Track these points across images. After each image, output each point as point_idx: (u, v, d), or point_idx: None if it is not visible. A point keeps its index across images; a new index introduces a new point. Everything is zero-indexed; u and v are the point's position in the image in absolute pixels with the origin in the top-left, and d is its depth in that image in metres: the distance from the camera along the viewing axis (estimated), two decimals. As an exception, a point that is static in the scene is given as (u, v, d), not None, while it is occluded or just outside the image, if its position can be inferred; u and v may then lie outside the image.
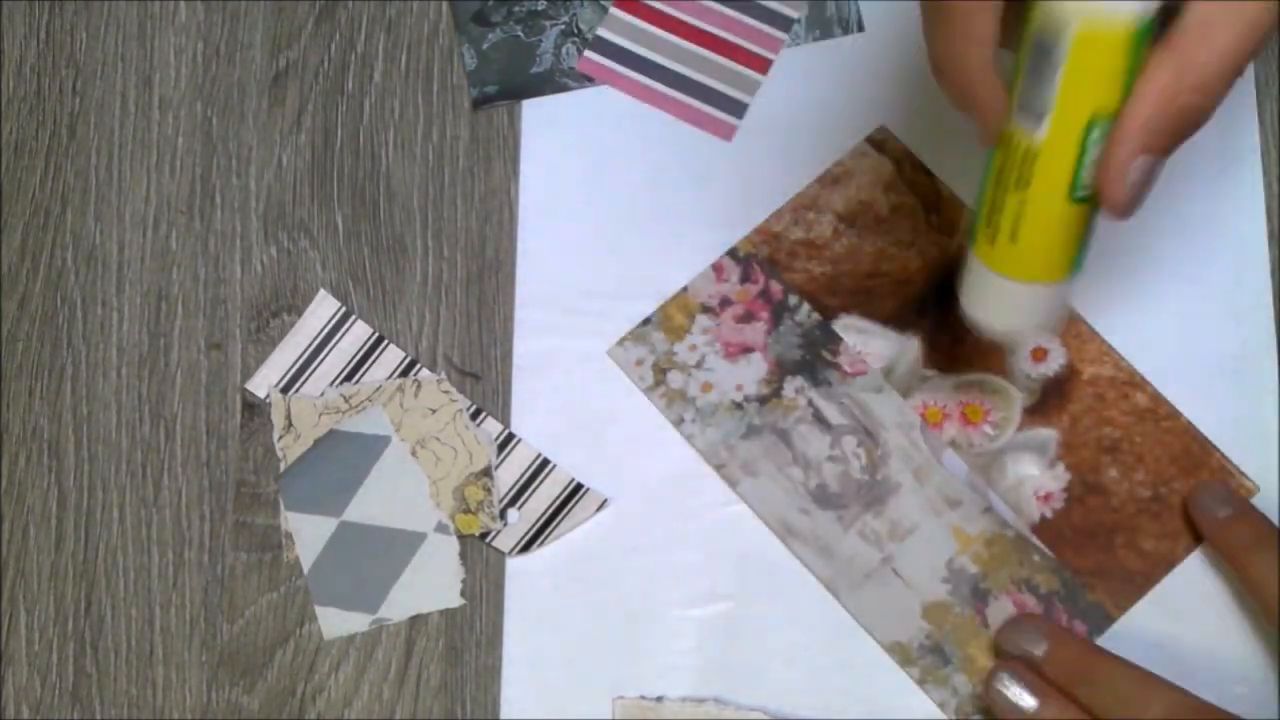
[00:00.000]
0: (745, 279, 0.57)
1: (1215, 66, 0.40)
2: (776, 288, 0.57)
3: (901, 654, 0.53)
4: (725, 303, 0.57)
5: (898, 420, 0.55)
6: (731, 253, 0.57)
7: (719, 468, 0.55)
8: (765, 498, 0.55)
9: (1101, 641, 0.53)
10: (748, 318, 0.57)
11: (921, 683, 0.53)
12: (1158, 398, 0.55)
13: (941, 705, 0.52)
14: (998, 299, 0.42)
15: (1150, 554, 0.53)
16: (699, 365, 0.56)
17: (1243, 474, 0.54)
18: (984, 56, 0.42)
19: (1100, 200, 0.41)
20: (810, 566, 0.54)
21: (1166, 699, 0.49)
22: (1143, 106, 0.40)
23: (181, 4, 0.61)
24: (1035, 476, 0.54)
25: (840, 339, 0.56)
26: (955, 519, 0.54)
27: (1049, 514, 0.54)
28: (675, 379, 0.56)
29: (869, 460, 0.55)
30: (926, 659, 0.53)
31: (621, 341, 0.56)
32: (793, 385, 0.56)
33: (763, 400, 0.56)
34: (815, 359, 0.56)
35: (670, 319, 0.57)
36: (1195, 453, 0.54)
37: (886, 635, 0.53)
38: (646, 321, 0.57)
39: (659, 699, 0.53)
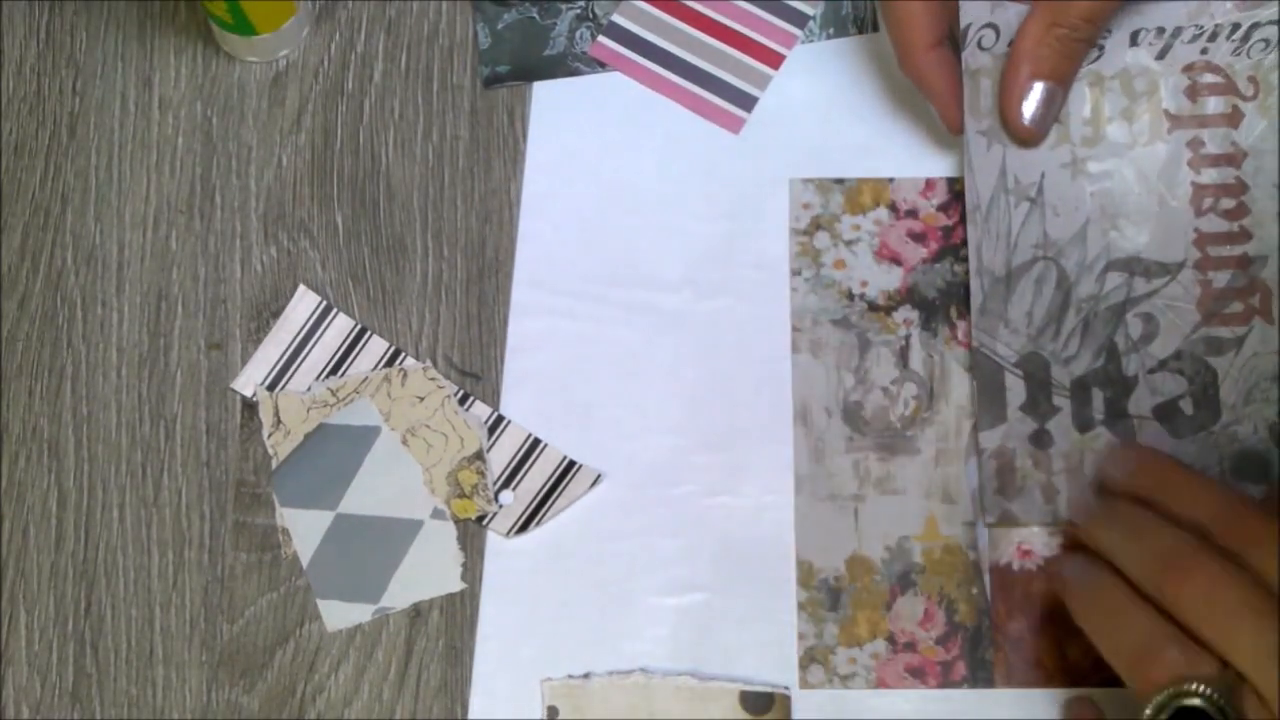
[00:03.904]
0: (944, 208, 0.57)
1: (1079, 12, 0.52)
2: (961, 235, 0.57)
3: (805, 574, 0.54)
4: (912, 213, 0.57)
5: (961, 403, 0.55)
6: (951, 180, 0.58)
7: (795, 329, 0.56)
8: (807, 377, 0.56)
9: (976, 700, 0.52)
10: (919, 238, 0.57)
11: (800, 607, 0.53)
12: None
13: (800, 635, 0.53)
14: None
15: (1068, 661, 0.52)
16: (849, 244, 0.57)
17: None
18: (930, 50, 0.54)
19: (1004, 126, 0.54)
20: (793, 462, 0.55)
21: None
22: (1026, 41, 0.53)
23: (181, 4, 0.61)
24: (1032, 530, 0.54)
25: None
26: (938, 511, 0.54)
27: (1015, 566, 0.53)
28: (821, 239, 0.57)
29: (913, 414, 0.55)
30: (820, 594, 0.53)
31: (808, 180, 0.58)
32: (905, 314, 0.56)
33: (873, 307, 0.57)
34: (942, 309, 0.56)
35: (859, 192, 0.58)
36: None
37: (806, 553, 0.54)
38: (840, 181, 0.58)
39: (586, 675, 0.53)
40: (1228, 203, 0.54)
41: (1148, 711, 0.45)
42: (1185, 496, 0.48)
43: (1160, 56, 0.55)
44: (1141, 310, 0.54)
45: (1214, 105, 0.55)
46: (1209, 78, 0.55)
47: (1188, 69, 0.55)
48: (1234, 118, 0.55)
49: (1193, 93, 0.55)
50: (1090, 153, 0.55)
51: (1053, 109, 0.54)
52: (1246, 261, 0.54)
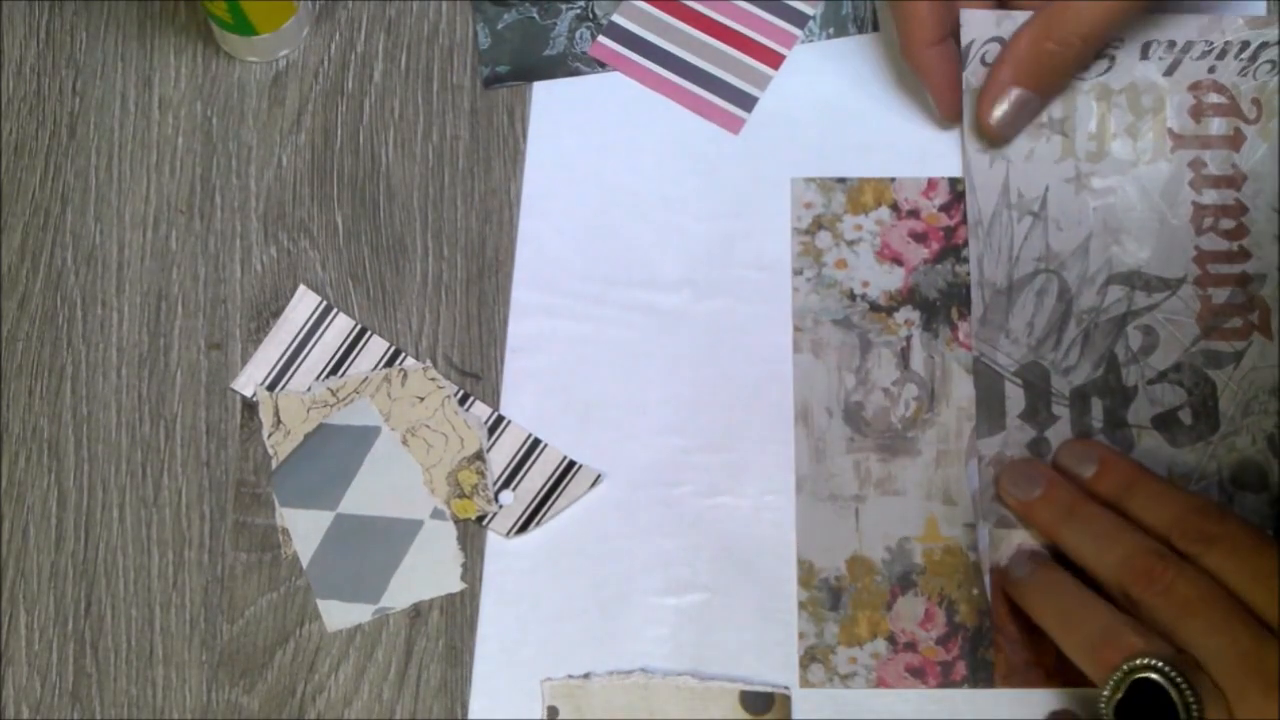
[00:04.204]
0: (946, 208, 0.57)
1: (1076, 30, 0.53)
2: (963, 236, 0.57)
3: (805, 573, 0.54)
4: (913, 213, 0.57)
5: (961, 404, 0.55)
6: (953, 180, 0.58)
7: (796, 329, 0.56)
8: (808, 377, 0.56)
9: (976, 700, 0.53)
10: (920, 238, 0.57)
11: (800, 607, 0.53)
12: None
13: (800, 635, 0.53)
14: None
15: (1068, 662, 0.51)
16: (850, 244, 0.57)
17: None
18: (932, 46, 0.55)
19: (978, 124, 0.55)
20: (793, 463, 0.55)
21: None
22: (1017, 47, 0.54)
23: (181, 4, 0.61)
24: (1031, 532, 0.53)
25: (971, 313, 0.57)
26: (939, 512, 0.55)
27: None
28: (823, 239, 0.57)
29: (914, 415, 0.55)
30: (821, 593, 0.54)
31: (810, 179, 0.58)
32: (907, 315, 0.56)
33: (875, 308, 0.57)
34: (943, 310, 0.56)
35: (861, 192, 0.58)
36: None
37: (806, 553, 0.54)
38: (842, 180, 0.58)
39: (586, 675, 0.53)
40: (1227, 223, 0.55)
41: (1106, 691, 0.46)
42: (1149, 501, 0.50)
43: (1168, 72, 0.55)
44: (1142, 323, 0.54)
45: (1217, 126, 0.55)
46: (1214, 98, 0.55)
47: (1194, 87, 0.55)
48: (1236, 140, 0.55)
49: (1197, 112, 0.55)
50: (1094, 168, 0.55)
51: (1024, 116, 0.55)
52: (1246, 279, 0.54)
